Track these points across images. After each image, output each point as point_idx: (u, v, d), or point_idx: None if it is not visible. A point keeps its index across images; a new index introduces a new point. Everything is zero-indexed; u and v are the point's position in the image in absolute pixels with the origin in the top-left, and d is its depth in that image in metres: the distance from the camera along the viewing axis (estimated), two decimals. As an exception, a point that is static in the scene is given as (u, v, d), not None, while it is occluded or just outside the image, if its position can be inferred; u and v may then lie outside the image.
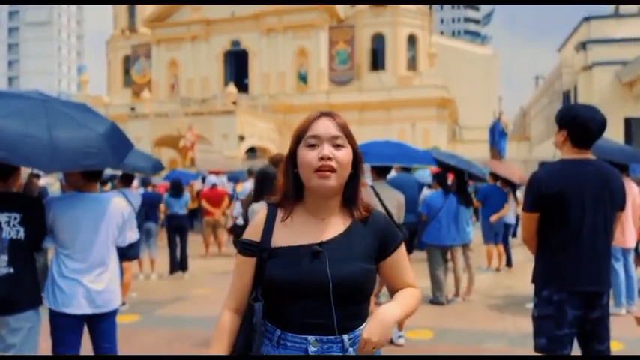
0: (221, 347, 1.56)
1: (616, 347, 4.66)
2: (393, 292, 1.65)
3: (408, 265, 1.67)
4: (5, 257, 2.82)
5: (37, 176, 6.57)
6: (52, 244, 3.06)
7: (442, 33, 73.55)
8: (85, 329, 3.15)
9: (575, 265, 2.71)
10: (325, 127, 1.53)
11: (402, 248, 1.65)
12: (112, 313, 3.15)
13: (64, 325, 3.00)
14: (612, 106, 23.83)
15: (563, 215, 2.71)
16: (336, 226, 1.57)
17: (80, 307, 2.98)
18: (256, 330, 1.50)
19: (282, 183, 1.61)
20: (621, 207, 2.84)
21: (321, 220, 1.58)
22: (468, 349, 4.91)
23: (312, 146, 1.51)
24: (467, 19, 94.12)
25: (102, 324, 3.11)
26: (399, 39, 38.64)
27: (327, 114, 1.58)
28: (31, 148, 2.60)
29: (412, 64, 39.21)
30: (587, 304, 2.72)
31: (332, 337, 1.49)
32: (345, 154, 1.52)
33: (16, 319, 2.84)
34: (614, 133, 19.52)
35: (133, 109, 35.82)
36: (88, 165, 2.85)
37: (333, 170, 1.49)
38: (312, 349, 1.49)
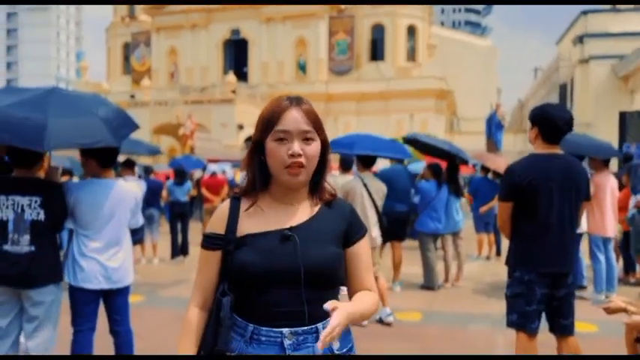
0: (188, 344, 1.53)
1: (591, 329, 5.02)
2: (351, 291, 1.62)
3: (370, 262, 1.65)
4: (27, 237, 3.10)
5: (57, 168, 6.91)
6: (72, 226, 3.36)
7: (442, 23, 73.53)
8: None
9: (543, 249, 3.02)
10: (295, 122, 1.49)
11: (365, 241, 1.64)
12: (126, 289, 3.45)
13: (83, 300, 3.30)
14: (608, 100, 24.13)
15: (534, 204, 3.01)
16: (304, 211, 1.56)
17: (98, 282, 3.29)
18: (222, 324, 1.47)
19: (248, 172, 1.58)
20: (586, 197, 3.14)
21: (289, 206, 1.56)
22: (454, 330, 5.24)
23: (281, 140, 1.48)
24: (468, 10, 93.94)
25: (117, 298, 3.41)
26: (399, 30, 38.73)
27: (297, 102, 1.52)
28: (27, 130, 2.92)
29: (411, 55, 39.35)
30: (554, 283, 3.03)
31: (306, 327, 1.47)
32: (314, 148, 1.51)
33: (38, 292, 3.13)
34: (609, 127, 19.80)
35: (132, 96, 35.96)
36: (83, 144, 3.18)
37: (302, 166, 1.48)
38: (287, 343, 1.45)
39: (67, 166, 8.11)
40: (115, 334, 3.46)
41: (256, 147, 1.54)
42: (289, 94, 1.56)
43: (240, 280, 1.49)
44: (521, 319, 3.05)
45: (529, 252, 3.05)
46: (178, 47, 41.37)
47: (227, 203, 1.59)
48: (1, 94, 3.24)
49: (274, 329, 1.45)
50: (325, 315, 1.44)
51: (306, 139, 1.49)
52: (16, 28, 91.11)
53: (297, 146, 1.47)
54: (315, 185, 1.59)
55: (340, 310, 1.37)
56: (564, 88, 29.39)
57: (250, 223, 1.53)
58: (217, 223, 1.57)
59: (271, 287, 1.46)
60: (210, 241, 1.57)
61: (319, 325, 1.47)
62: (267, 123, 1.50)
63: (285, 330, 1.45)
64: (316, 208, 1.59)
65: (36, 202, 3.14)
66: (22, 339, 3.26)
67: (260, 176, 1.55)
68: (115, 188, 3.38)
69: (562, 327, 3.09)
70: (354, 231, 1.61)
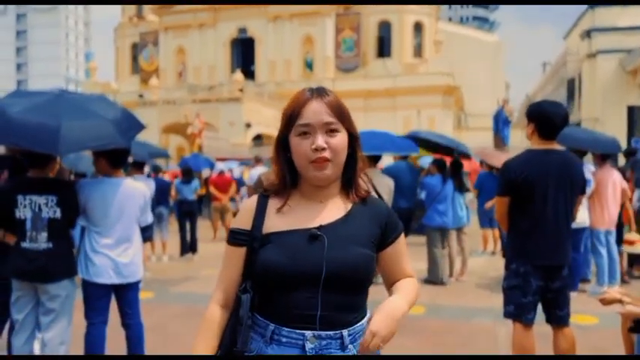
0: (206, 342, 1.46)
1: (592, 321, 5.09)
2: (389, 282, 1.58)
3: (407, 256, 1.60)
4: (45, 234, 3.25)
5: (70, 171, 7.09)
6: (83, 223, 3.49)
7: (450, 19, 73.27)
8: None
9: (538, 242, 3.12)
10: (316, 114, 1.42)
11: (403, 238, 1.58)
12: (136, 284, 3.59)
13: (95, 294, 3.45)
14: (616, 95, 24.00)
15: (529, 199, 3.11)
16: (335, 210, 1.48)
17: (109, 277, 3.43)
18: (242, 323, 1.40)
19: (275, 169, 1.53)
20: (582, 191, 3.23)
21: (318, 203, 1.48)
22: (457, 323, 5.33)
23: (304, 134, 1.42)
24: (476, 5, 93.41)
25: (127, 293, 3.55)
26: (405, 26, 38.70)
27: (318, 94, 1.45)
28: (43, 135, 3.05)
29: (418, 51, 39.32)
30: (549, 276, 3.13)
31: (331, 332, 1.39)
32: (340, 140, 1.43)
33: (55, 287, 3.28)
34: (617, 121, 19.65)
35: (141, 96, 36.18)
36: (94, 146, 3.33)
37: (328, 160, 1.41)
38: (309, 346, 1.38)
39: (82, 169, 8.24)
40: (127, 327, 3.60)
41: (281, 143, 1.49)
42: (296, 91, 1.53)
43: (263, 279, 1.43)
44: (517, 310, 3.15)
45: (525, 246, 3.15)
46: (186, 46, 41.58)
47: (254, 199, 1.53)
48: (11, 98, 3.37)
49: (296, 330, 1.39)
50: (352, 321, 1.43)
51: (331, 131, 1.42)
52: (25, 30, 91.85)
53: (320, 140, 1.40)
54: (348, 182, 1.51)
55: (377, 315, 1.34)
56: (572, 83, 29.26)
57: (277, 221, 1.47)
58: (243, 219, 1.51)
59: (295, 288, 1.39)
60: (235, 237, 1.51)
61: (344, 332, 1.41)
62: (289, 118, 1.45)
63: (308, 333, 1.39)
64: (349, 207, 1.51)
65: (52, 200, 3.28)
66: (37, 334, 3.41)
67: (287, 172, 1.49)
68: (124, 186, 3.51)
69: (558, 318, 3.19)
70: (390, 231, 1.54)
